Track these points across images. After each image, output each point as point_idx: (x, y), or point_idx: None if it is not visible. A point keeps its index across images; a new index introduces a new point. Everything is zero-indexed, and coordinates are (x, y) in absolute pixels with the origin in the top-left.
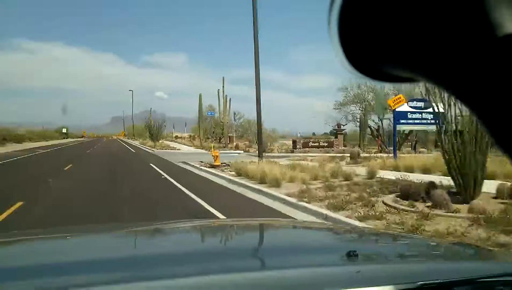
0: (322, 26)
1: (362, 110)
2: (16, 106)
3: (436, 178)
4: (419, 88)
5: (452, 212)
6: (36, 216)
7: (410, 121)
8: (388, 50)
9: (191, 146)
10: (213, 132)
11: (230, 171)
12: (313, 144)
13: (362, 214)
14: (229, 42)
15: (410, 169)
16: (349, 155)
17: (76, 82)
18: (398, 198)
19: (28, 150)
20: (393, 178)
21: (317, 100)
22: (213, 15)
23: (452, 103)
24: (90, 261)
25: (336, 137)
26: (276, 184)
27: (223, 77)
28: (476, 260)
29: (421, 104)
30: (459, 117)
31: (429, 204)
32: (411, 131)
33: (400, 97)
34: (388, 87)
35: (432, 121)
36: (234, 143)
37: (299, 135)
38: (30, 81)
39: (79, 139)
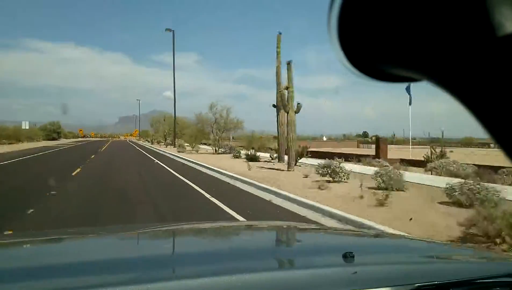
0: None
1: None
2: (23, 105)
3: None
4: None
5: None
6: None
7: None
8: (388, 50)
9: None
10: None
11: None
12: None
13: None
14: (238, 43)
15: None
16: None
17: (85, 81)
18: None
19: None
20: None
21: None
22: (225, 15)
23: None
24: (94, 263)
25: None
26: None
27: None
28: (473, 261)
29: None
30: None
31: None
32: None
33: None
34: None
35: None
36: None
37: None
38: (39, 80)
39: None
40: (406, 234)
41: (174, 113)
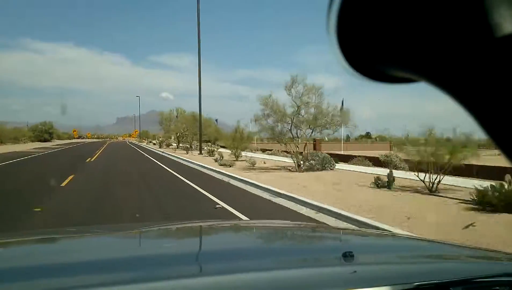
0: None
1: None
2: (21, 105)
3: None
4: None
5: None
6: None
7: None
8: (388, 51)
9: None
10: None
11: None
12: None
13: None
14: (237, 43)
15: None
16: None
17: (82, 82)
18: None
19: None
20: None
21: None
22: (223, 15)
23: None
24: (94, 262)
25: None
26: None
27: None
28: (473, 260)
29: None
30: None
31: None
32: None
33: None
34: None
35: None
36: None
37: None
38: (38, 81)
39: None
40: (406, 233)
41: (199, 108)
